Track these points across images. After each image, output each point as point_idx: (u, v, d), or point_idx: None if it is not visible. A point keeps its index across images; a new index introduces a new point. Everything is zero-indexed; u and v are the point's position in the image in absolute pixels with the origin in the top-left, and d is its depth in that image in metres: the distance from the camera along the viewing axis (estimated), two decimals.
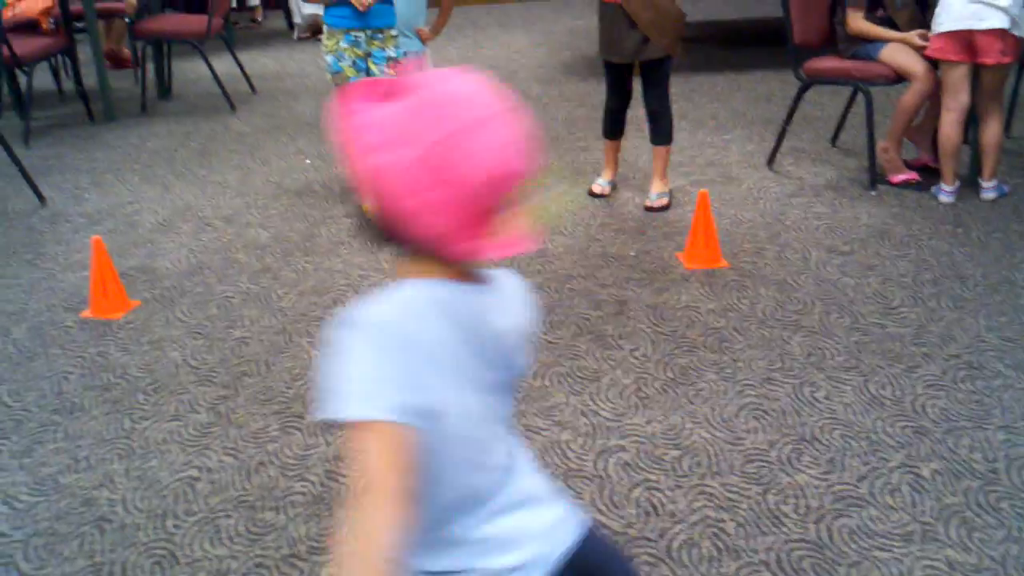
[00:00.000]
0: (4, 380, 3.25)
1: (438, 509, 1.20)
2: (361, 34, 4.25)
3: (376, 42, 4.27)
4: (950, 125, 4.21)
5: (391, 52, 4.31)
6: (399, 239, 1.16)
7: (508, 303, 1.30)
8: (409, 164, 1.09)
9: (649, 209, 4.36)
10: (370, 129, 1.12)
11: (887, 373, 3.03)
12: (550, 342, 3.30)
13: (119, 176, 5.16)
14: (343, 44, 4.25)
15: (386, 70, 4.29)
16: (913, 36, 4.32)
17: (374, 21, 4.24)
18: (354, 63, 4.28)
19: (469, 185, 1.10)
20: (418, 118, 1.11)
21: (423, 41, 4.71)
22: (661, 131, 4.38)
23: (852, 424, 2.79)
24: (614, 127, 4.52)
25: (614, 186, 4.58)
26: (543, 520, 1.29)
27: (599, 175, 4.61)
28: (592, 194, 4.55)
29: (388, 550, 1.04)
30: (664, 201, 4.38)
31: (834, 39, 4.61)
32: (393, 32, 4.30)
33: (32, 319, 3.67)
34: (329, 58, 4.30)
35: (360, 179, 1.14)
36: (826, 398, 2.92)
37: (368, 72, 4.31)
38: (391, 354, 1.11)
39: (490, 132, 1.13)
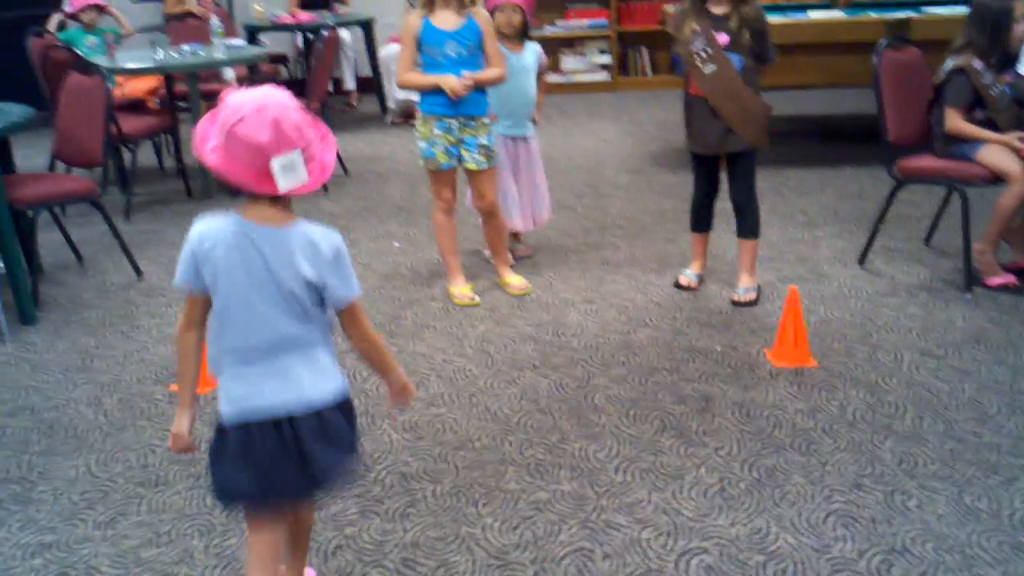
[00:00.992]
0: (94, 450, 3.32)
1: (216, 349, 2.10)
2: (454, 121, 4.24)
3: (468, 130, 4.27)
4: None
5: (483, 140, 4.30)
6: (233, 190, 2.02)
7: (290, 243, 2.04)
8: (219, 148, 1.97)
9: (736, 303, 4.32)
10: (203, 135, 2.00)
11: (983, 484, 2.92)
12: (633, 436, 3.26)
13: None
14: (436, 131, 4.25)
15: (478, 157, 4.29)
16: (1012, 138, 4.25)
17: (467, 109, 4.25)
18: (446, 150, 4.27)
19: (243, 155, 1.95)
20: (214, 123, 1.98)
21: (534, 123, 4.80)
22: (747, 224, 4.35)
23: (946, 537, 2.68)
24: (701, 219, 4.52)
25: (701, 279, 4.55)
26: (266, 387, 2.07)
27: (686, 267, 4.59)
28: (678, 286, 4.52)
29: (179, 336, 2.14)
30: (752, 296, 4.34)
31: (929, 137, 4.55)
32: (486, 120, 4.32)
33: (124, 390, 3.74)
34: (422, 144, 4.30)
35: (207, 162, 1.99)
36: (918, 507, 2.82)
37: (460, 159, 4.31)
38: (187, 252, 2.06)
39: (243, 126, 1.94)
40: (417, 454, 3.20)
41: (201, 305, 2.09)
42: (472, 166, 4.31)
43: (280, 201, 2.04)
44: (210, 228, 2.04)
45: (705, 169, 4.41)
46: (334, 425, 2.10)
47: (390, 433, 3.34)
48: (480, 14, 4.22)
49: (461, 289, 4.51)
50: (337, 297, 2.10)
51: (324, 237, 2.07)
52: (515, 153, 4.74)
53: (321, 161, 2.05)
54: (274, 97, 1.99)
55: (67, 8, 7.29)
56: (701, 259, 4.57)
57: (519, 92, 4.63)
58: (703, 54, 4.13)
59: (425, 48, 4.18)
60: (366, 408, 3.51)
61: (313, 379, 2.09)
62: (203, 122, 2.00)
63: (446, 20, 4.18)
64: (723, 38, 4.11)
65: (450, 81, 4.14)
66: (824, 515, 2.80)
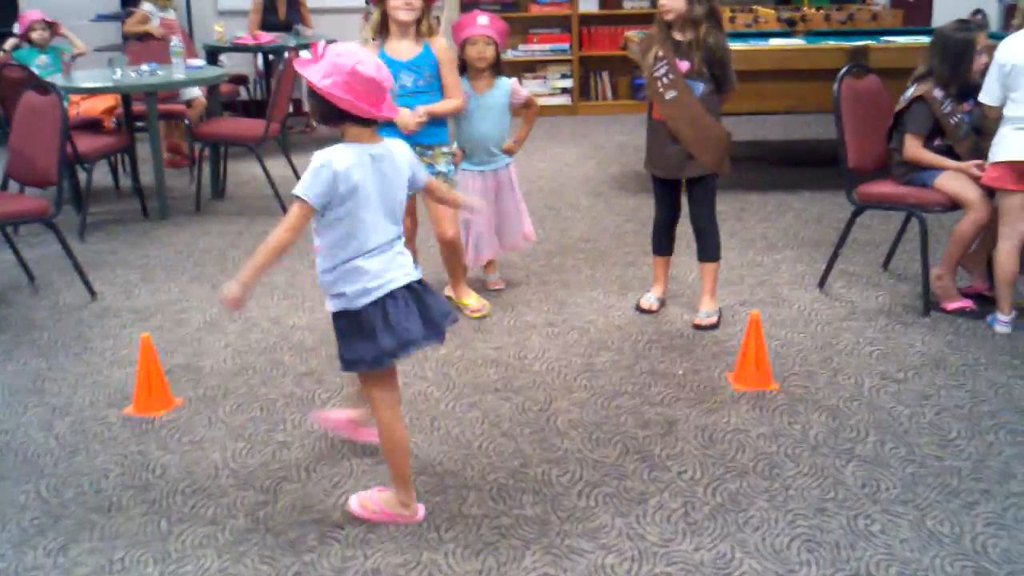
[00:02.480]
0: (44, 475, 3.23)
1: (340, 256, 2.71)
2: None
3: (425, 159, 4.12)
4: (1007, 254, 4.15)
5: (441, 167, 4.23)
6: (338, 121, 2.68)
7: (395, 157, 2.76)
8: (340, 83, 2.58)
9: (698, 327, 4.32)
10: (318, 70, 2.59)
11: (945, 508, 2.93)
12: (596, 460, 3.24)
13: (170, 273, 5.21)
14: None
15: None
16: (970, 166, 4.30)
17: (422, 139, 4.15)
18: None
19: (363, 88, 2.59)
20: (336, 63, 2.59)
21: (510, 154, 4.69)
22: (708, 248, 4.36)
23: (909, 562, 2.68)
24: (662, 243, 4.52)
25: (663, 302, 4.54)
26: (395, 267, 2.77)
27: (648, 290, 4.59)
28: (640, 309, 4.51)
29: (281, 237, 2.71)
30: (713, 320, 4.34)
31: (889, 163, 4.59)
32: (444, 148, 4.25)
33: (76, 414, 3.66)
34: None
35: (319, 93, 2.60)
36: (881, 532, 2.82)
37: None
38: (327, 174, 2.63)
39: (363, 67, 2.59)
40: (377, 479, 3.14)
41: (310, 218, 2.68)
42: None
43: (375, 126, 2.71)
44: (342, 154, 2.65)
45: (666, 193, 4.43)
46: (428, 287, 2.86)
47: (350, 458, 3.29)
48: (438, 43, 4.14)
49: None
50: (421, 180, 2.89)
51: (401, 144, 2.85)
52: (489, 184, 4.63)
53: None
54: (367, 51, 2.89)
55: (16, 30, 7.28)
56: (663, 282, 4.57)
57: (488, 131, 4.53)
58: (665, 80, 4.15)
59: None
60: (325, 432, 3.45)
61: (408, 260, 2.81)
62: (306, 63, 2.61)
63: (401, 49, 4.11)
64: (684, 65, 4.13)
65: (402, 116, 4.00)
66: (788, 540, 2.79)
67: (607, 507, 2.97)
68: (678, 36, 4.14)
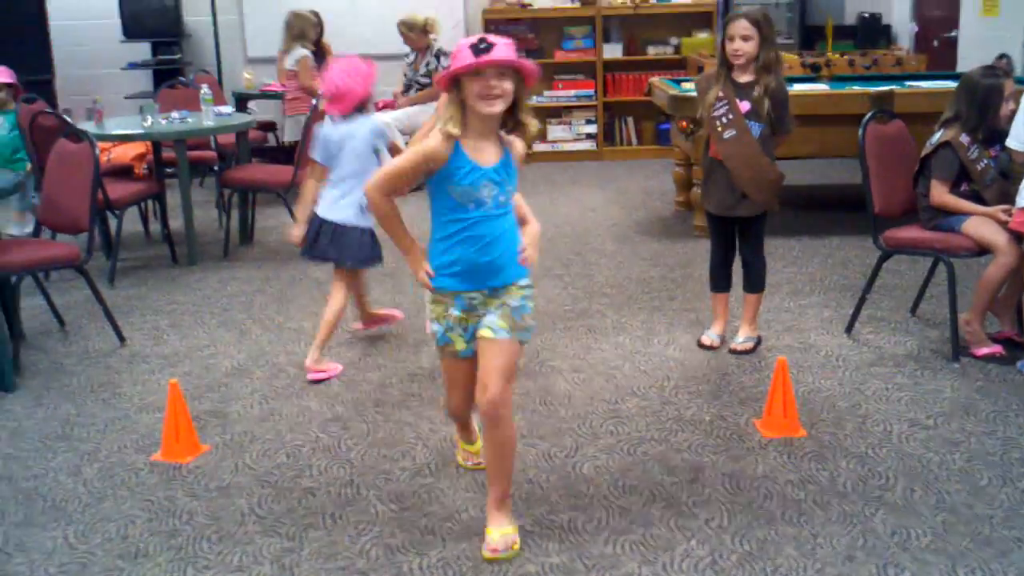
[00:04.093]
0: (72, 521, 3.25)
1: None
2: (478, 295, 2.95)
3: (496, 299, 2.96)
4: None
5: (513, 301, 2.96)
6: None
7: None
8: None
9: (734, 351, 4.46)
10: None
11: (977, 557, 2.89)
12: (622, 507, 3.22)
13: (198, 319, 5.24)
14: (453, 312, 2.97)
15: (496, 321, 2.93)
16: (997, 211, 4.29)
17: (502, 277, 2.96)
18: (466, 332, 2.99)
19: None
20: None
21: None
22: (753, 279, 4.53)
23: None
24: (720, 279, 4.61)
25: (723, 339, 4.60)
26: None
27: (708, 327, 4.68)
28: (701, 346, 4.59)
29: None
30: (750, 345, 4.48)
31: (915, 208, 4.59)
32: (523, 282, 3.01)
33: (104, 459, 3.68)
34: (435, 326, 3.04)
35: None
36: None
37: (471, 337, 3.02)
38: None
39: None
40: (403, 525, 3.14)
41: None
42: (486, 332, 2.92)
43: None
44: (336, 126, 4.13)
45: (721, 230, 4.56)
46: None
47: (375, 504, 3.28)
48: (518, 147, 2.99)
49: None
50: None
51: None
52: None
53: None
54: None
55: None
56: (723, 319, 4.64)
57: None
58: (724, 120, 4.26)
59: (451, 187, 2.85)
60: (351, 478, 3.45)
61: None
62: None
63: (484, 152, 2.87)
64: (744, 105, 4.26)
65: (419, 273, 2.98)
66: None
67: (634, 555, 2.95)
68: (739, 78, 4.29)
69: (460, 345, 3.01)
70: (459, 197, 2.86)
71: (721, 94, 4.30)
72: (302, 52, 8.00)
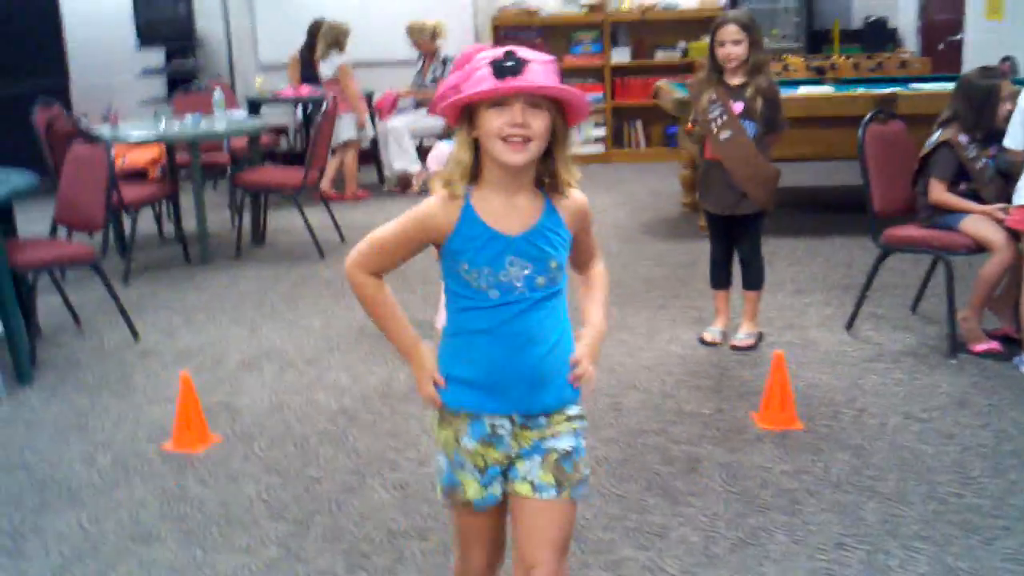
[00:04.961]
0: (85, 506, 3.35)
1: None
2: (506, 422, 2.08)
3: (534, 432, 2.09)
4: None
5: (565, 443, 2.11)
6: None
7: None
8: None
9: (735, 348, 4.55)
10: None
11: (963, 544, 2.96)
12: (619, 495, 3.30)
13: (210, 316, 5.35)
14: (467, 442, 2.09)
15: (539, 475, 2.08)
16: (995, 209, 4.35)
17: (534, 401, 2.08)
18: (484, 474, 2.10)
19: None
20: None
21: None
22: (752, 277, 4.63)
23: None
24: (720, 276, 4.70)
25: (725, 335, 4.68)
26: None
27: (711, 324, 4.76)
28: (703, 342, 4.68)
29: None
30: (751, 341, 4.57)
31: (914, 207, 4.66)
32: (573, 410, 2.15)
33: (117, 449, 3.78)
34: (440, 459, 2.16)
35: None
36: (900, 567, 2.85)
37: (507, 479, 2.13)
38: None
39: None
40: (406, 512, 3.23)
41: None
42: (523, 488, 2.09)
43: None
44: None
45: (720, 229, 4.65)
46: None
47: (379, 491, 3.37)
48: (575, 201, 2.10)
49: None
50: None
51: None
52: None
53: None
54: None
55: None
56: (725, 315, 4.73)
57: None
58: (719, 121, 4.36)
59: (463, 267, 2.02)
60: (356, 467, 3.55)
61: None
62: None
63: (510, 213, 2.01)
64: (738, 106, 4.36)
65: (426, 385, 2.12)
66: (805, 574, 2.83)
67: (629, 540, 3.03)
68: (730, 80, 4.40)
69: (473, 491, 2.10)
70: (474, 280, 2.01)
71: (714, 96, 4.39)
72: (340, 59, 8.16)
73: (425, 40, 8.31)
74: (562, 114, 1.99)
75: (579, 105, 1.99)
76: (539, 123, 1.94)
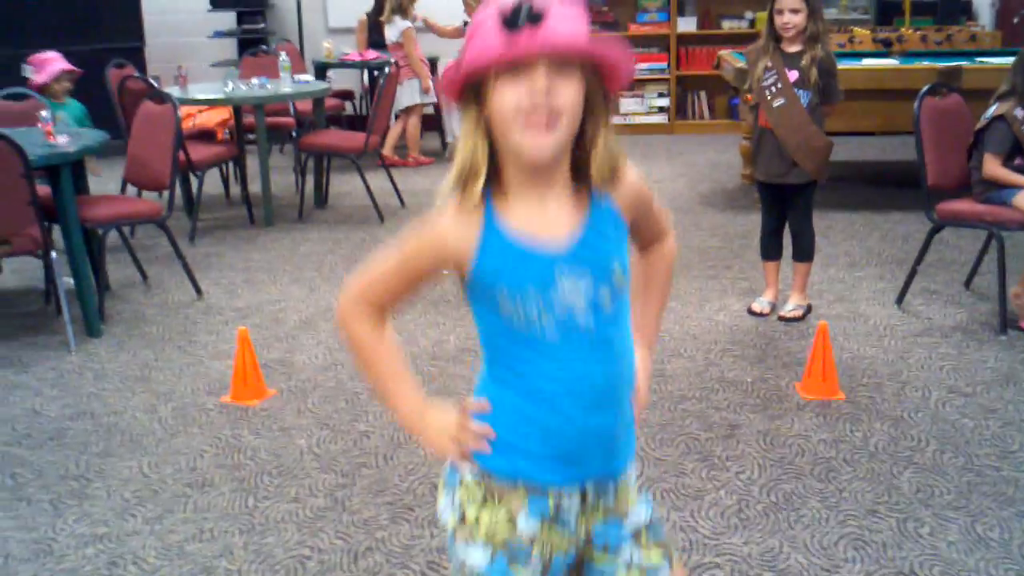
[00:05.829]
0: (147, 453, 3.52)
1: None
2: (573, 493, 1.60)
3: (601, 507, 1.63)
4: None
5: (643, 512, 1.68)
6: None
7: None
8: None
9: (783, 319, 4.60)
10: None
11: (997, 515, 2.99)
12: (658, 458, 3.38)
13: (271, 276, 5.51)
14: (526, 525, 1.59)
15: (652, 564, 1.65)
16: None
17: (609, 461, 1.63)
18: (547, 567, 1.62)
19: None
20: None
21: None
22: (802, 249, 4.64)
23: (954, 563, 2.76)
24: (771, 248, 4.74)
25: (774, 306, 4.72)
26: None
27: (760, 294, 4.81)
28: (751, 312, 4.73)
29: None
30: (799, 313, 4.61)
31: (969, 182, 4.63)
32: (631, 468, 1.69)
33: (178, 400, 3.95)
34: (477, 555, 1.61)
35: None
36: (930, 535, 2.90)
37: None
38: None
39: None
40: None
41: None
42: None
43: None
44: None
45: (771, 198, 4.67)
46: None
47: (424, 447, 3.48)
48: (629, 184, 1.62)
49: None
50: None
51: None
52: None
53: None
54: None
55: (34, 78, 5.97)
56: (774, 287, 4.77)
57: None
58: (773, 89, 4.39)
59: (500, 298, 1.55)
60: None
61: None
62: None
63: (548, 217, 1.55)
64: (793, 75, 4.39)
65: (442, 441, 1.65)
66: (836, 538, 2.89)
67: (664, 501, 3.11)
68: (787, 48, 4.42)
69: None
70: (519, 312, 1.54)
71: (770, 64, 4.42)
72: (404, 24, 8.22)
73: (479, 4, 8.32)
74: (599, 77, 1.49)
75: (621, 65, 1.48)
76: (569, 92, 1.44)
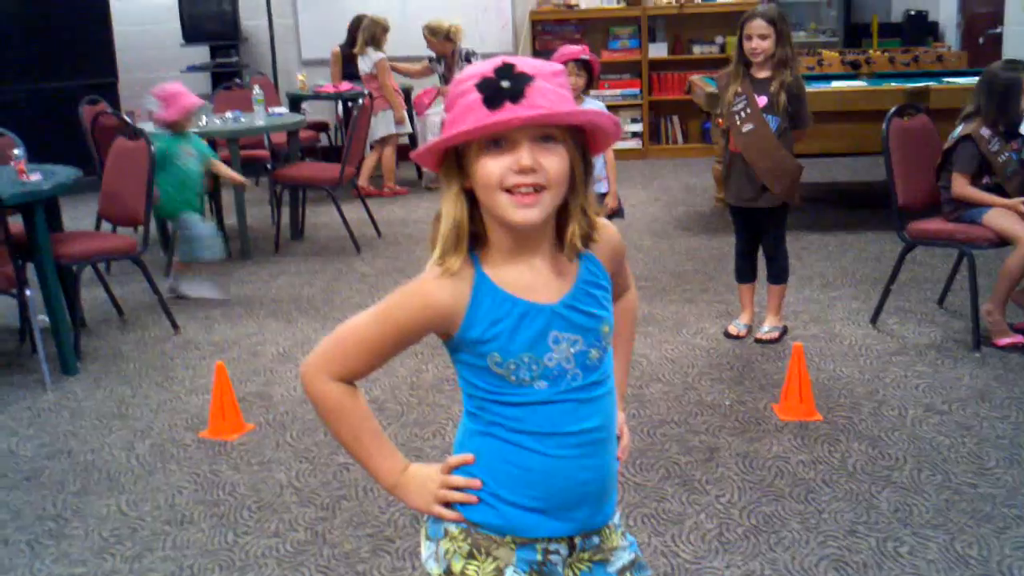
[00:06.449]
0: (124, 490, 3.49)
1: None
2: (561, 544, 1.62)
3: (586, 554, 1.66)
4: None
5: (627, 555, 1.71)
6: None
7: None
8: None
9: (759, 341, 4.62)
10: None
11: (975, 533, 3.01)
12: (637, 484, 3.38)
13: (248, 309, 5.50)
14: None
15: None
16: (1017, 203, 4.38)
17: (598, 511, 1.64)
18: None
19: None
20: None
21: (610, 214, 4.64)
22: (776, 271, 4.68)
23: None
24: (745, 270, 4.78)
25: (750, 329, 4.75)
26: None
27: (736, 317, 4.85)
28: (728, 335, 4.75)
29: None
30: (775, 335, 4.64)
31: (939, 201, 4.68)
32: (616, 517, 1.72)
33: (156, 436, 3.93)
34: None
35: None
36: (909, 554, 2.91)
37: None
38: None
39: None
40: None
41: None
42: None
43: None
44: None
45: (744, 222, 4.71)
46: None
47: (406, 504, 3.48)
48: (607, 238, 1.61)
49: None
50: None
51: None
52: None
53: None
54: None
55: (162, 113, 5.63)
56: (750, 309, 4.80)
57: None
58: (743, 114, 4.44)
59: (491, 360, 1.53)
60: None
61: None
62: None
63: (535, 273, 1.54)
64: (762, 100, 4.43)
65: (424, 498, 1.64)
66: (817, 560, 2.90)
67: (645, 526, 3.12)
68: (757, 74, 4.47)
69: None
70: (510, 374, 1.53)
71: (740, 90, 4.46)
72: (378, 55, 8.25)
73: (439, 41, 8.31)
74: (580, 144, 1.48)
75: (609, 129, 1.49)
76: (555, 163, 1.44)
